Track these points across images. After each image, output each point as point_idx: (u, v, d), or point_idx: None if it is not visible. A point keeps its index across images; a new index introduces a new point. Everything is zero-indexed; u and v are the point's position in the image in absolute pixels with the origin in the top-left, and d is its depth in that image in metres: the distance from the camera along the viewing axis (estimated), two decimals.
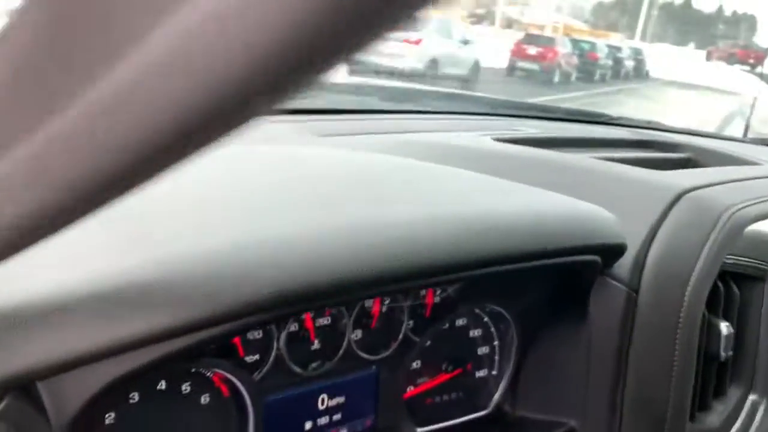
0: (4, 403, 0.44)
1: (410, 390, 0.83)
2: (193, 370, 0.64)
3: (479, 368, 0.89)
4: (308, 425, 0.75)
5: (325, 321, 0.72)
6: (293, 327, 0.70)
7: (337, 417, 0.77)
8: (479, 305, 0.85)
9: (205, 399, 0.66)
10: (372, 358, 0.76)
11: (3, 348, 0.44)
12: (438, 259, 0.64)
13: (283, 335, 0.68)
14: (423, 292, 0.79)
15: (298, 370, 0.70)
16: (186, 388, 0.65)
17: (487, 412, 0.89)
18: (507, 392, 0.90)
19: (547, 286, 0.85)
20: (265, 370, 0.67)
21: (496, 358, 0.90)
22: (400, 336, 0.77)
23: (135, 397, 0.61)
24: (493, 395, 0.90)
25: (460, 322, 0.86)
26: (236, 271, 0.53)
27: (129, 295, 0.49)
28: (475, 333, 0.87)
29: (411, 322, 0.78)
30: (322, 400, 0.75)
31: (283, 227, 0.60)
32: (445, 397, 0.86)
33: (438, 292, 0.80)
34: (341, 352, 0.72)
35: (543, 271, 0.80)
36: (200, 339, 0.51)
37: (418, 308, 0.79)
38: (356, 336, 0.75)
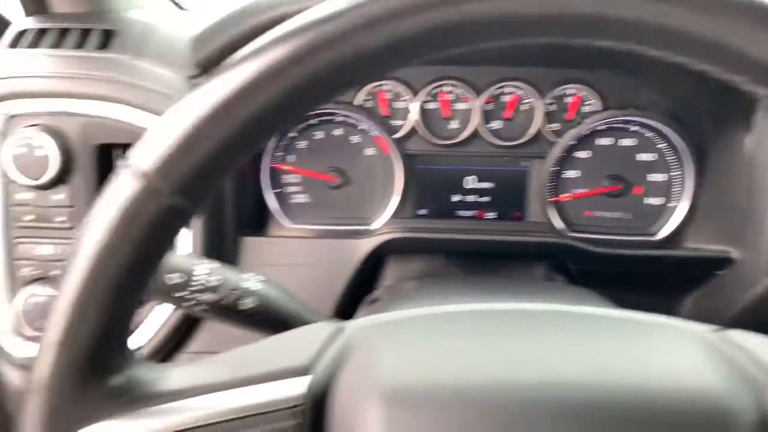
0: None
1: (562, 196, 0.91)
2: (359, 127, 0.90)
3: (651, 195, 0.90)
4: (455, 198, 0.93)
5: (461, 105, 0.89)
6: (432, 105, 0.89)
7: (484, 199, 0.92)
8: (646, 126, 0.87)
9: (368, 151, 0.92)
10: (503, 143, 0.88)
11: None
12: None
13: (421, 107, 0.88)
14: (567, 94, 0.87)
15: (435, 140, 0.89)
16: (354, 138, 0.92)
17: (652, 239, 0.90)
18: (683, 222, 0.89)
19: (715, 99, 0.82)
20: (405, 132, 0.89)
21: (675, 189, 0.89)
22: (533, 130, 0.88)
23: (318, 134, 0.91)
24: (663, 224, 0.90)
25: (626, 141, 0.89)
26: None
27: None
28: (646, 157, 0.89)
29: (550, 123, 0.88)
30: (470, 181, 0.92)
31: None
32: (607, 214, 0.91)
33: (582, 94, 0.87)
34: (469, 131, 0.88)
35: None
36: None
37: (559, 109, 0.88)
38: (493, 126, 0.89)
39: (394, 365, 0.42)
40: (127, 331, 0.41)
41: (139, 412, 0.41)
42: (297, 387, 0.42)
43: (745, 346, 0.44)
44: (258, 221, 0.91)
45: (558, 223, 0.90)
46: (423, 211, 0.93)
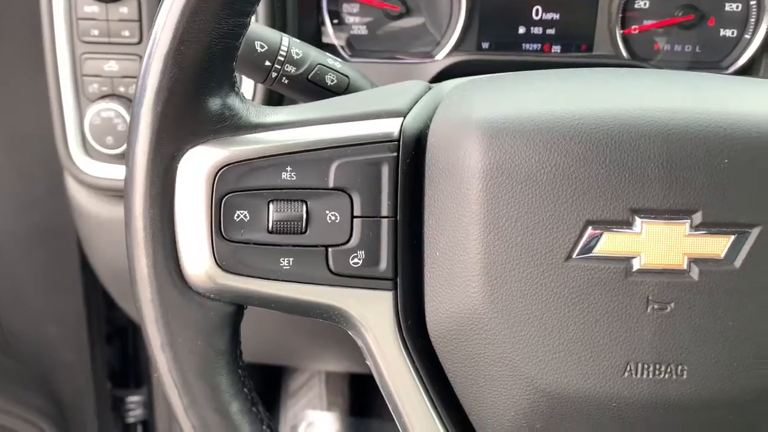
0: None
1: (633, 27, 0.88)
2: None
3: (725, 26, 0.87)
4: (521, 30, 0.90)
5: None
6: None
7: (551, 31, 0.90)
8: None
9: None
10: None
11: None
12: None
13: None
14: None
15: None
16: None
17: (724, 73, 0.87)
18: (756, 55, 0.86)
19: None
20: None
21: (752, 19, 0.86)
22: None
23: None
24: (737, 57, 0.87)
25: None
26: None
27: None
28: None
29: None
30: (536, 11, 0.89)
31: None
32: (677, 47, 0.88)
33: None
34: None
35: None
36: None
37: None
38: None
39: (488, 101, 0.42)
40: (231, 56, 0.41)
41: (238, 139, 0.41)
42: (393, 125, 0.42)
43: None
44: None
45: (626, 55, 0.88)
46: (487, 44, 0.91)
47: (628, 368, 0.38)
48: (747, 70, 0.87)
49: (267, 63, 0.52)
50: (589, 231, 0.38)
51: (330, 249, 0.41)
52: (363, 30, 0.91)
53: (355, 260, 0.41)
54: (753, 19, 0.86)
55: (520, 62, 0.88)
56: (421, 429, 0.42)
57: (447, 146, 0.41)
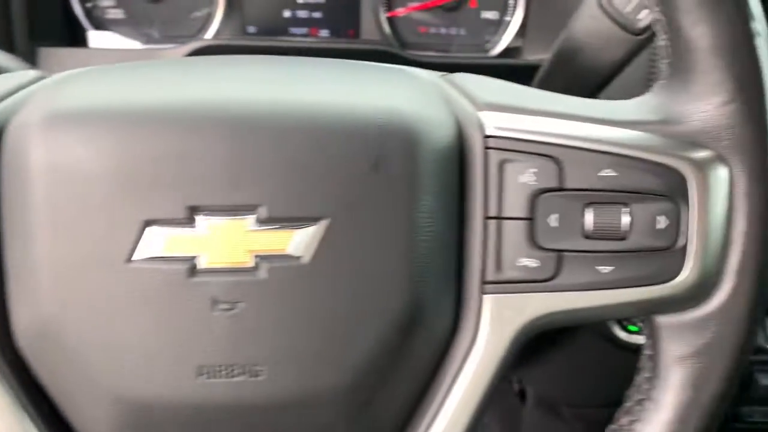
0: None
1: (397, 10, 0.87)
2: None
3: (487, 8, 0.87)
4: (287, 13, 0.87)
5: None
6: None
7: (317, 15, 0.88)
8: None
9: None
10: None
11: None
12: None
13: None
14: None
15: None
16: None
17: (487, 55, 0.87)
18: (517, 37, 0.86)
19: None
20: None
21: (510, 1, 0.86)
22: None
23: None
24: (499, 39, 0.87)
25: None
26: None
27: None
28: None
29: None
30: None
31: None
32: (443, 30, 0.88)
33: None
34: None
35: None
36: None
37: None
38: None
39: (65, 94, 0.39)
40: None
41: None
42: None
43: (463, 85, 0.42)
44: (63, 33, 0.84)
45: (393, 40, 0.86)
46: (252, 29, 0.88)
47: (202, 372, 0.36)
48: (510, 53, 0.87)
49: None
50: (148, 231, 0.35)
51: None
52: (120, 14, 0.86)
53: None
54: (512, 1, 0.86)
55: (286, 48, 0.86)
56: None
57: (19, 144, 0.38)
